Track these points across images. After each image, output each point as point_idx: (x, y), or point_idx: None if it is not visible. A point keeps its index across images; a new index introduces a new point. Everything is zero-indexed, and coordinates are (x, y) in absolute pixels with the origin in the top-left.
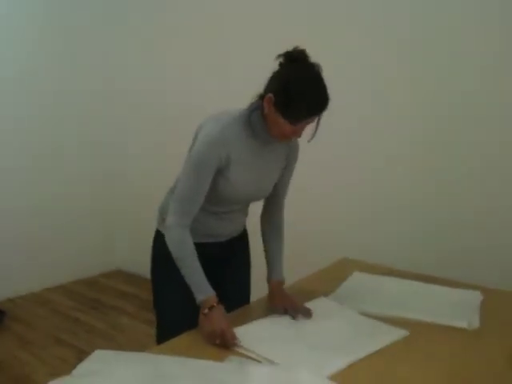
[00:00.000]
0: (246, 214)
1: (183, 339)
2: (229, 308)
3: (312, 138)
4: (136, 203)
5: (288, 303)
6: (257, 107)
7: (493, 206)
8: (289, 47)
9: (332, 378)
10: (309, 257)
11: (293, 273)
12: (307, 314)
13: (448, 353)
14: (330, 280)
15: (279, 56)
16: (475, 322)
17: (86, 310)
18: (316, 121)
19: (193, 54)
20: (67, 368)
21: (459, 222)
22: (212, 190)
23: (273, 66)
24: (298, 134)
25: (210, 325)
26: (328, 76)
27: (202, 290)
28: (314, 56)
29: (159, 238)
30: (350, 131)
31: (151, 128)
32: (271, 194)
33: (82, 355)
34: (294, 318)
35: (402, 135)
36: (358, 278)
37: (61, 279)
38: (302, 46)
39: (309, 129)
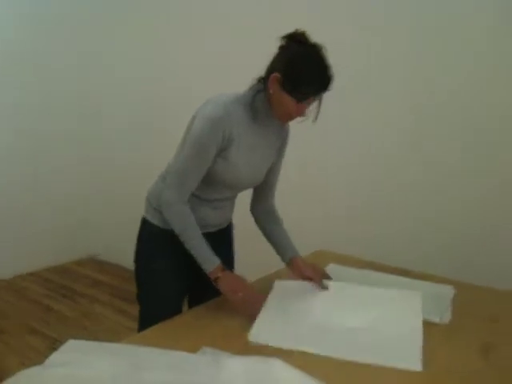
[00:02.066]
0: (233, 204)
1: (156, 330)
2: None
3: (316, 119)
4: (111, 190)
5: (318, 271)
6: (259, 90)
7: (470, 202)
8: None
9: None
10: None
11: (268, 265)
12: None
13: None
14: None
15: (281, 38)
16: (447, 317)
17: (58, 298)
18: (318, 102)
19: (191, 49)
20: (39, 357)
21: (440, 218)
22: (210, 172)
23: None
24: (303, 112)
25: (228, 284)
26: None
27: (210, 260)
28: None
29: (146, 226)
30: (333, 129)
31: (127, 109)
32: (263, 181)
33: (54, 344)
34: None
35: (386, 125)
36: (332, 270)
37: (33, 266)
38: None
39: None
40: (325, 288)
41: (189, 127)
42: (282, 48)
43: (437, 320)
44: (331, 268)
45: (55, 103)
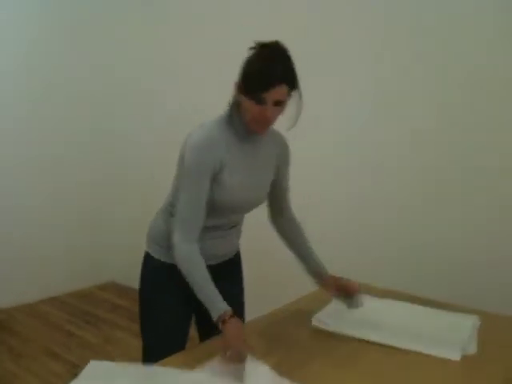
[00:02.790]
0: (240, 232)
1: (171, 361)
2: None
3: (292, 126)
4: (131, 215)
5: (351, 286)
6: (234, 104)
7: (495, 223)
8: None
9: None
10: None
11: (279, 297)
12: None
13: (442, 380)
14: (319, 302)
15: (250, 48)
16: (472, 348)
17: (80, 323)
18: (297, 107)
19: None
20: (59, 382)
21: (460, 242)
22: (208, 200)
23: None
24: (267, 115)
25: (225, 339)
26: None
27: (215, 307)
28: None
29: (148, 260)
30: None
31: (151, 135)
32: (274, 196)
33: (74, 369)
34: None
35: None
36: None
37: (55, 291)
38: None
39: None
40: (360, 305)
41: (179, 162)
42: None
43: (458, 358)
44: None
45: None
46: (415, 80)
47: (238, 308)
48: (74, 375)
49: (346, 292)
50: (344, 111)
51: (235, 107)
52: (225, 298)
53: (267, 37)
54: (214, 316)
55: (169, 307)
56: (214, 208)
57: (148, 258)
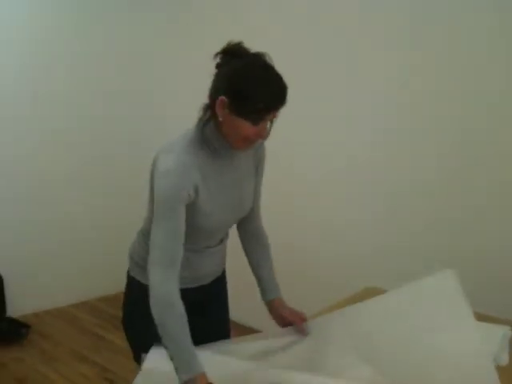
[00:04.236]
0: (226, 246)
1: None
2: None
3: (267, 137)
4: None
5: (297, 317)
6: (207, 120)
7: None
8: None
9: None
10: (332, 285)
11: (311, 302)
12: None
13: None
14: None
15: (216, 55)
16: (504, 359)
17: (110, 328)
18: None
19: None
20: None
21: (497, 254)
22: (189, 226)
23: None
24: (262, 135)
25: None
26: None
27: (190, 366)
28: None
29: (132, 285)
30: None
31: None
32: None
33: (104, 373)
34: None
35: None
36: None
37: (85, 296)
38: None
39: None
40: (306, 333)
41: (150, 186)
42: (219, 66)
43: (494, 363)
44: None
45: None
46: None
47: (225, 330)
48: (104, 378)
49: (292, 322)
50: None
51: (213, 126)
52: (215, 324)
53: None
54: (184, 376)
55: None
56: (198, 233)
57: (132, 281)
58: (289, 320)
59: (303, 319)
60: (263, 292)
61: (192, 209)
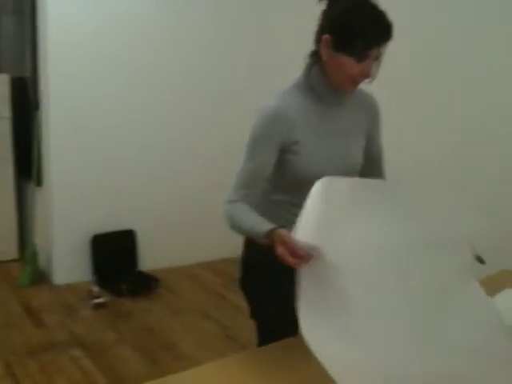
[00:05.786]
0: None
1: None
2: None
3: (374, 79)
4: None
5: None
6: (313, 64)
7: None
8: None
9: None
10: None
11: None
12: None
13: None
14: None
15: (320, 1)
16: None
17: (232, 288)
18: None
19: None
20: (213, 341)
21: None
22: (289, 173)
23: None
24: (368, 73)
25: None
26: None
27: (264, 224)
28: None
29: (248, 246)
30: None
31: None
32: (366, 164)
33: (226, 331)
34: None
35: None
36: (506, 297)
37: (210, 256)
38: None
39: None
40: None
41: None
42: (324, 11)
43: None
44: (506, 293)
45: None
46: None
47: None
48: (226, 336)
49: None
50: None
51: (318, 69)
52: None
53: None
54: (265, 227)
55: (278, 294)
56: (301, 183)
57: (248, 243)
58: None
59: None
60: None
61: (290, 153)
